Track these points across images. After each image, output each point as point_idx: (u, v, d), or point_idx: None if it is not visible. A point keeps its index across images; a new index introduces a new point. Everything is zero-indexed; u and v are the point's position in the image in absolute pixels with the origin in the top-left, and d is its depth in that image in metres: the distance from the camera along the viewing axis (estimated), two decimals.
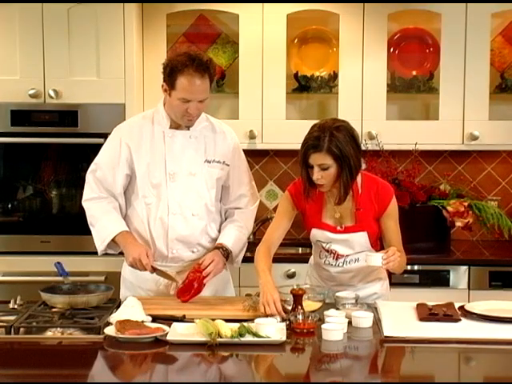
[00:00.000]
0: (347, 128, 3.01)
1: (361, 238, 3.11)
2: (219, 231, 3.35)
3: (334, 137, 2.94)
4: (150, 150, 3.24)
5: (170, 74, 3.10)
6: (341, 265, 3.16)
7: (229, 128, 3.39)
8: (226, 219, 3.39)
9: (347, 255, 3.13)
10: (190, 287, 3.12)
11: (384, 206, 3.12)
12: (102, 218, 3.25)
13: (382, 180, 3.23)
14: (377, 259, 2.94)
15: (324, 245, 3.15)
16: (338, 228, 3.13)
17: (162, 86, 3.17)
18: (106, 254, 3.51)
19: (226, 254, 3.26)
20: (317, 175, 2.99)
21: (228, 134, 3.35)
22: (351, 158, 2.97)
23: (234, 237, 3.30)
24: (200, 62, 3.07)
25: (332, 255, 3.15)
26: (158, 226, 3.25)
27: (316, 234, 3.15)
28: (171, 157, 3.24)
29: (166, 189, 3.23)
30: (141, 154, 3.24)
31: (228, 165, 3.31)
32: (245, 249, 3.39)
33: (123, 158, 3.24)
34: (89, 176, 3.30)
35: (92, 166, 3.31)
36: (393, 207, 3.14)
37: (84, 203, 3.30)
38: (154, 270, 3.17)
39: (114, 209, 3.27)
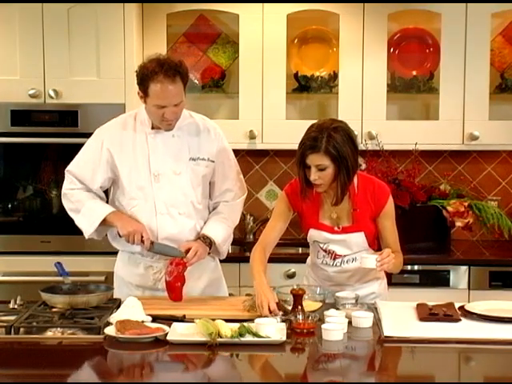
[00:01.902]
0: (345, 129, 3.00)
1: (358, 239, 3.11)
2: None
3: (331, 138, 2.94)
4: (133, 152, 3.25)
5: (142, 82, 3.11)
6: (338, 265, 3.16)
7: (213, 124, 3.37)
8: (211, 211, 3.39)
9: (345, 255, 3.14)
10: (175, 286, 3.12)
11: (380, 205, 3.12)
12: (89, 202, 3.25)
13: (378, 180, 3.23)
14: (371, 261, 2.95)
15: (321, 245, 3.15)
16: (336, 228, 3.13)
17: (138, 93, 3.17)
18: (106, 254, 3.51)
19: (209, 242, 3.25)
20: (314, 176, 2.99)
21: (212, 130, 3.33)
22: (349, 159, 2.97)
23: (217, 227, 3.29)
24: (169, 67, 3.06)
25: (329, 255, 3.15)
26: (147, 226, 3.24)
27: (313, 234, 3.16)
28: (155, 157, 3.24)
29: (152, 190, 3.24)
30: (123, 158, 3.24)
31: (213, 161, 3.30)
32: (230, 240, 3.40)
33: (104, 161, 3.25)
34: (67, 173, 3.30)
35: (71, 165, 3.30)
36: (389, 207, 3.14)
37: (66, 191, 3.29)
38: (152, 244, 3.17)
39: (97, 197, 3.29)
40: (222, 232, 3.31)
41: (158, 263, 3.29)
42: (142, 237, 3.15)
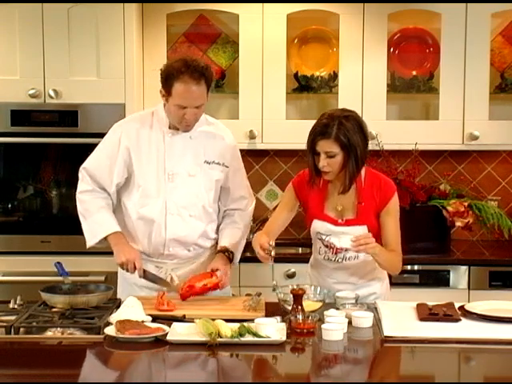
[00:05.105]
0: (356, 118, 3.05)
1: (360, 232, 3.12)
2: (217, 232, 3.38)
3: (342, 125, 2.98)
4: (149, 150, 3.25)
5: (166, 81, 3.11)
6: (340, 260, 3.16)
7: (227, 129, 3.40)
8: (223, 218, 3.41)
9: (346, 249, 3.14)
10: (197, 293, 3.12)
11: (385, 201, 3.13)
12: (97, 214, 3.26)
13: (385, 176, 3.25)
14: (346, 241, 2.97)
15: (324, 237, 3.16)
16: (339, 221, 3.14)
17: (160, 91, 3.17)
18: (106, 254, 3.51)
19: (232, 256, 3.29)
20: (323, 162, 3.02)
21: (227, 135, 3.36)
22: (358, 148, 3.00)
23: (238, 240, 3.34)
24: (195, 69, 3.07)
25: (331, 250, 3.16)
26: (156, 225, 3.26)
27: (317, 225, 3.16)
28: (171, 157, 3.24)
29: (165, 189, 3.24)
30: (139, 155, 3.25)
31: (227, 166, 3.32)
32: (242, 249, 3.43)
33: (120, 161, 3.25)
34: (82, 171, 3.31)
35: (87, 162, 3.31)
36: (393, 204, 3.15)
37: (79, 195, 3.31)
38: (144, 273, 3.20)
39: (107, 206, 3.30)
40: (240, 244, 3.37)
41: (165, 264, 3.30)
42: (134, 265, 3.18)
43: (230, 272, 3.26)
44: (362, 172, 3.12)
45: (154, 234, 3.27)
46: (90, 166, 3.30)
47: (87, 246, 3.32)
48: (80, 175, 3.32)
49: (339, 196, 3.12)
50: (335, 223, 3.13)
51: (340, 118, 2.99)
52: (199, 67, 3.09)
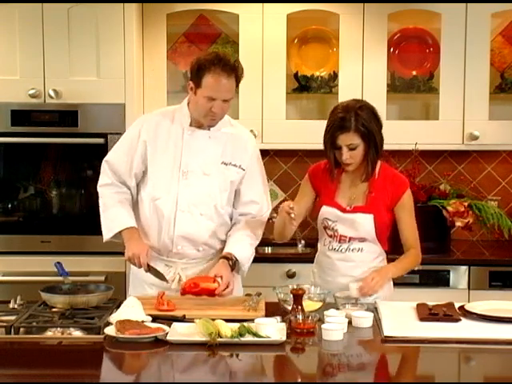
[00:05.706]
0: (368, 106, 3.13)
1: (366, 221, 3.14)
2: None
3: (359, 116, 3.06)
4: (166, 144, 3.27)
5: (197, 73, 3.14)
6: (344, 251, 3.18)
7: (250, 134, 3.43)
8: (234, 224, 3.38)
9: (351, 238, 3.15)
10: (195, 293, 3.11)
11: (397, 195, 3.18)
12: (113, 209, 3.30)
13: (399, 172, 3.32)
14: (353, 291, 3.04)
15: (330, 223, 3.18)
16: (348, 208, 3.17)
17: (188, 84, 3.21)
18: (106, 254, 3.52)
19: (234, 265, 3.25)
20: (346, 155, 3.08)
21: (249, 138, 3.38)
22: (376, 135, 3.09)
23: (245, 247, 3.30)
24: (227, 62, 3.12)
25: (335, 238, 3.18)
26: (166, 220, 3.26)
27: (325, 211, 3.20)
28: (188, 154, 3.26)
29: (178, 185, 3.25)
30: (156, 149, 3.27)
31: (244, 169, 3.32)
32: (252, 258, 3.37)
33: (138, 154, 3.27)
34: (104, 164, 3.35)
35: (109, 155, 3.36)
36: (406, 199, 3.20)
37: (99, 188, 3.35)
38: (148, 268, 3.21)
39: (126, 200, 3.32)
40: (248, 252, 3.31)
41: (175, 264, 3.30)
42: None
43: (232, 281, 3.18)
44: (378, 165, 3.18)
45: (164, 229, 3.27)
46: (111, 159, 3.34)
47: (103, 240, 3.34)
48: (102, 168, 3.36)
49: (351, 186, 3.19)
50: (343, 210, 3.17)
51: (355, 109, 3.07)
52: (231, 62, 3.14)
